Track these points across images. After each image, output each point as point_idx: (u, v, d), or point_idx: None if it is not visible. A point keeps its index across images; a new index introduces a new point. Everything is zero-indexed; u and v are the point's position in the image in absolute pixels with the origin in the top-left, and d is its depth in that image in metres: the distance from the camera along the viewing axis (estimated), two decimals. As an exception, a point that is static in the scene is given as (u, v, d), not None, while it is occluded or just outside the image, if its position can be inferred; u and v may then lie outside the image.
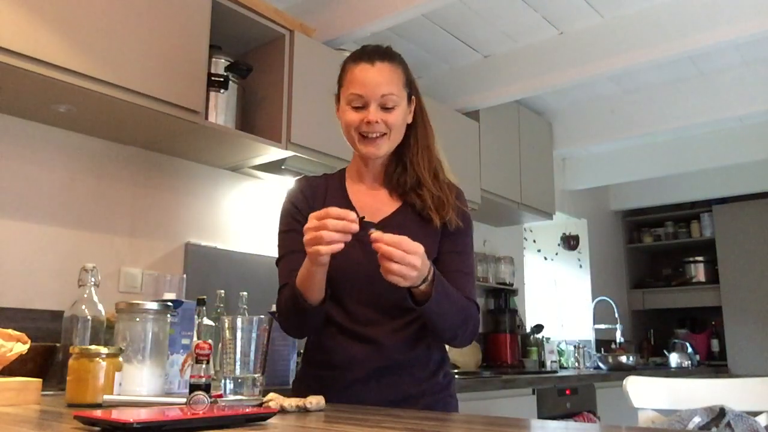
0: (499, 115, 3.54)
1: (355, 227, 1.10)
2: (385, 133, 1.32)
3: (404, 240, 1.11)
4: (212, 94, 2.15)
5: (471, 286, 1.36)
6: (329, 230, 1.10)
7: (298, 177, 1.49)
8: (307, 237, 1.13)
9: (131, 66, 1.83)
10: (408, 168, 1.38)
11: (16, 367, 1.30)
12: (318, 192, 1.42)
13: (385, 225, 1.29)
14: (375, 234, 1.11)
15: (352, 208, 1.34)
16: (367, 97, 1.31)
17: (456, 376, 1.48)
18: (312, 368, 1.38)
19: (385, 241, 1.10)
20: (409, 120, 1.39)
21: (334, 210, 1.11)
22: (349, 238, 1.11)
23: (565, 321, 4.78)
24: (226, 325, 1.14)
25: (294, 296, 1.25)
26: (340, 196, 1.41)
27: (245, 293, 2.14)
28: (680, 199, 5.24)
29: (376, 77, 1.31)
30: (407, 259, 1.10)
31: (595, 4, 2.92)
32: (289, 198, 1.43)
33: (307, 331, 1.37)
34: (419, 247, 1.12)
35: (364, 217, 1.22)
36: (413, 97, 1.40)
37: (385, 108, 1.31)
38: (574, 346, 4.26)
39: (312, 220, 1.13)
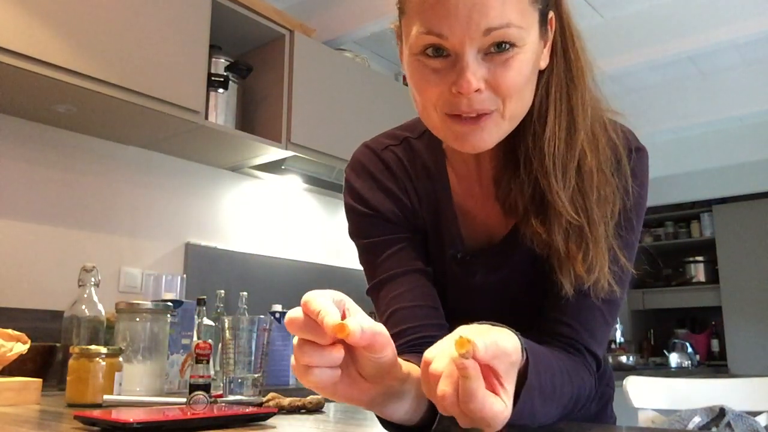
0: (499, 115, 3.54)
1: (324, 346, 0.54)
2: (495, 109, 0.68)
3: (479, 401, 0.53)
4: (212, 94, 2.15)
5: (600, 325, 0.77)
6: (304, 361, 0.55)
7: (357, 154, 0.88)
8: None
9: (131, 66, 1.83)
10: (521, 165, 0.75)
11: (16, 367, 1.30)
12: (404, 184, 0.84)
13: (496, 253, 0.81)
14: (461, 361, 0.52)
15: (458, 231, 0.83)
16: (455, 40, 0.65)
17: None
18: None
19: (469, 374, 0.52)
20: (543, 65, 0.74)
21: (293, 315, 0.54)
22: (333, 360, 0.54)
23: (565, 321, 4.77)
24: (226, 325, 1.14)
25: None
26: (442, 200, 0.83)
27: (245, 293, 2.14)
28: (680, 199, 5.23)
29: (478, 5, 0.63)
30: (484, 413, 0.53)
31: (595, 4, 2.92)
32: (357, 191, 0.85)
33: None
34: (502, 413, 0.54)
35: (459, 254, 0.81)
36: (551, 13, 0.73)
37: (494, 56, 0.66)
38: (574, 346, 4.26)
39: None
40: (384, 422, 0.66)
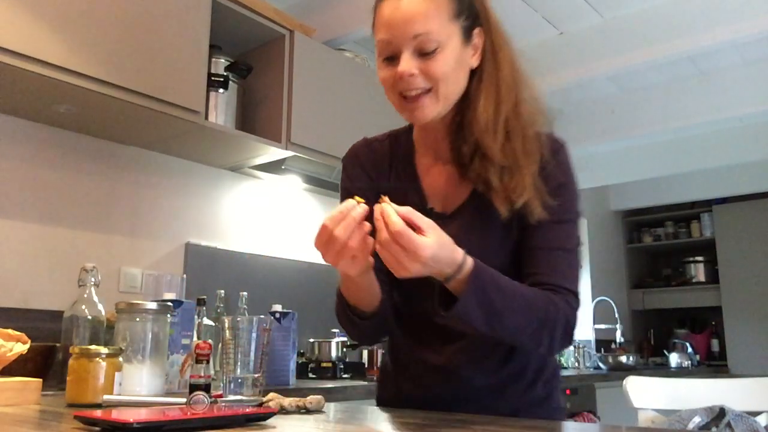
0: (499, 115, 3.53)
1: (359, 215, 0.87)
2: (430, 88, 0.98)
3: (406, 235, 0.83)
4: (212, 94, 2.15)
5: (562, 266, 0.99)
6: (341, 243, 0.87)
7: (356, 142, 1.19)
8: (326, 257, 0.91)
9: (131, 66, 1.83)
10: (465, 131, 1.02)
11: (16, 367, 1.30)
12: (382, 162, 1.13)
13: (459, 218, 1.04)
14: (381, 206, 0.87)
15: (421, 192, 1.09)
16: (396, 43, 0.98)
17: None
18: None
19: (386, 222, 0.84)
20: (475, 63, 1.03)
21: (332, 217, 0.88)
22: (367, 241, 0.89)
23: (565, 321, 4.77)
24: (226, 325, 1.14)
25: (342, 306, 1.06)
26: (408, 172, 1.11)
27: (245, 293, 2.14)
28: (680, 199, 5.24)
29: (406, 12, 0.96)
30: (400, 258, 0.84)
31: (595, 4, 2.92)
32: (345, 171, 1.16)
33: (373, 338, 1.14)
34: (424, 251, 0.83)
35: (433, 209, 1.04)
36: (477, 29, 1.03)
37: (423, 53, 0.97)
38: (574, 346, 4.26)
39: (322, 231, 0.89)
40: (352, 309, 1.03)
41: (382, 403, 1.19)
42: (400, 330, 1.13)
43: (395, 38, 0.98)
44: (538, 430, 0.83)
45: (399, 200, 0.88)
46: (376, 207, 0.86)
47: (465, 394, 1.06)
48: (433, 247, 0.84)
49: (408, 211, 0.85)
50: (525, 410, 1.04)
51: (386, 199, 0.87)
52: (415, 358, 1.11)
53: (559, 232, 1.01)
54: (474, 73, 1.03)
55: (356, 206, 0.88)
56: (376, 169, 1.13)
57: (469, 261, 0.90)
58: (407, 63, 0.97)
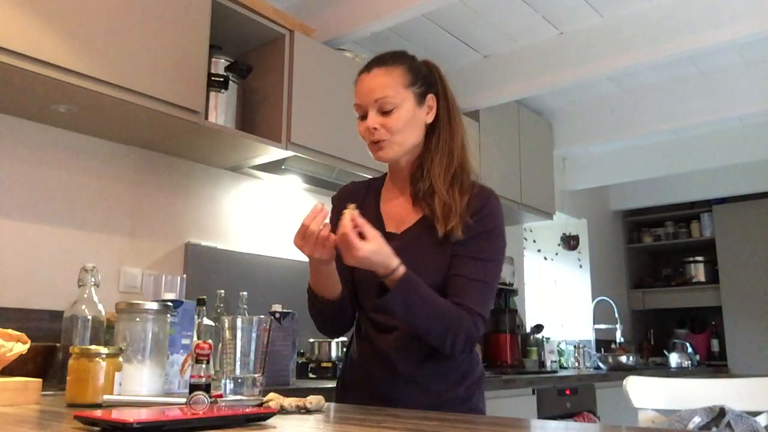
0: (499, 115, 3.54)
1: (321, 215, 1.18)
2: (389, 138, 1.31)
3: (348, 236, 1.14)
4: (212, 94, 2.15)
5: (475, 294, 1.27)
6: (315, 234, 1.18)
7: (344, 185, 1.54)
8: (304, 249, 1.20)
9: (131, 66, 1.83)
10: (424, 173, 1.34)
11: (16, 367, 1.30)
12: (357, 195, 1.45)
13: (406, 236, 1.34)
14: (346, 212, 1.17)
15: (379, 217, 1.40)
16: (364, 105, 1.33)
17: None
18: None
19: (343, 226, 1.15)
20: (429, 119, 1.36)
21: (306, 217, 1.19)
22: (326, 236, 1.18)
23: (565, 321, 4.78)
24: (226, 325, 1.14)
25: (309, 295, 1.34)
26: (373, 204, 1.44)
27: (245, 293, 2.14)
28: (680, 199, 5.24)
29: (370, 84, 1.32)
30: (343, 251, 1.17)
31: (595, 4, 2.92)
32: (332, 204, 1.48)
33: (335, 328, 1.40)
34: (358, 251, 1.14)
35: (389, 230, 1.37)
36: (431, 95, 1.36)
37: (383, 112, 1.31)
38: (574, 346, 4.26)
39: (301, 228, 1.19)
40: (318, 298, 1.31)
41: (341, 384, 1.46)
42: (356, 322, 1.43)
43: (363, 102, 1.33)
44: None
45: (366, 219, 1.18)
46: (344, 211, 1.17)
47: (395, 380, 1.31)
48: (366, 251, 1.14)
49: (363, 222, 1.16)
50: (447, 406, 1.27)
51: (351, 206, 1.18)
52: (361, 345, 1.40)
53: (481, 267, 1.29)
54: (433, 131, 1.37)
55: (323, 208, 1.19)
56: (351, 200, 1.36)
57: (402, 269, 1.19)
58: (371, 120, 1.32)
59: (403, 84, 1.32)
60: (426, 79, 1.37)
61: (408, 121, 1.32)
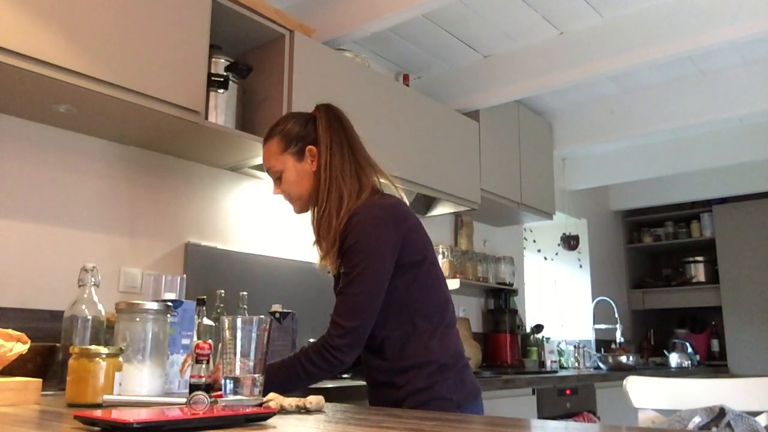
0: (499, 115, 3.54)
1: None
2: (289, 198, 1.56)
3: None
4: (212, 94, 2.15)
5: (340, 305, 1.41)
6: None
7: None
8: None
9: (131, 66, 1.83)
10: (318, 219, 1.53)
11: (16, 367, 1.30)
12: None
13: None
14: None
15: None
16: (269, 176, 1.59)
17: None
18: None
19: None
20: (314, 167, 1.53)
21: None
22: None
23: (565, 321, 4.78)
24: (226, 325, 1.14)
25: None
26: None
27: (245, 293, 2.14)
28: (680, 199, 5.24)
29: (263, 158, 1.58)
30: None
31: (595, 4, 2.92)
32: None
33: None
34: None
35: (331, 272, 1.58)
36: (309, 147, 1.53)
37: (277, 178, 1.55)
38: (574, 346, 4.26)
39: None
40: None
41: None
42: None
43: (267, 172, 1.59)
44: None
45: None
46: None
47: (369, 386, 1.52)
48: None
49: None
50: (411, 397, 1.38)
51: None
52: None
53: (345, 280, 1.41)
54: (323, 169, 1.52)
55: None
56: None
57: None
58: (273, 187, 1.58)
59: (280, 151, 1.53)
60: (299, 136, 1.53)
61: (295, 180, 1.53)
